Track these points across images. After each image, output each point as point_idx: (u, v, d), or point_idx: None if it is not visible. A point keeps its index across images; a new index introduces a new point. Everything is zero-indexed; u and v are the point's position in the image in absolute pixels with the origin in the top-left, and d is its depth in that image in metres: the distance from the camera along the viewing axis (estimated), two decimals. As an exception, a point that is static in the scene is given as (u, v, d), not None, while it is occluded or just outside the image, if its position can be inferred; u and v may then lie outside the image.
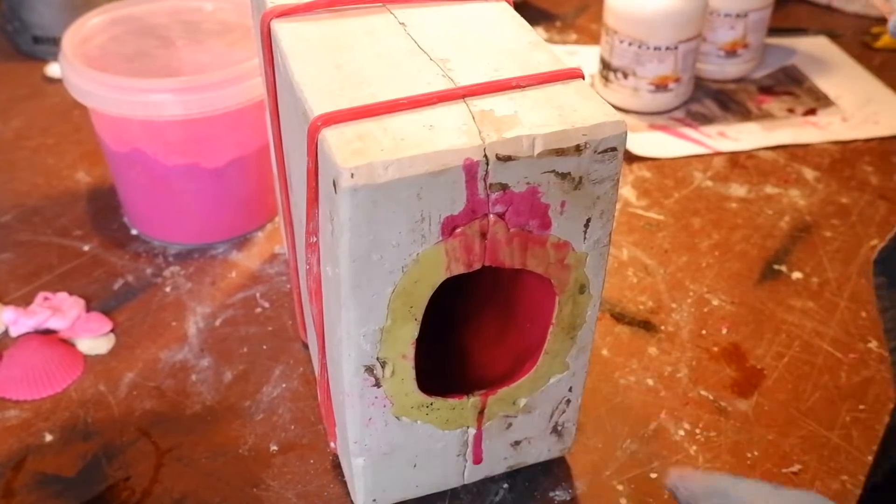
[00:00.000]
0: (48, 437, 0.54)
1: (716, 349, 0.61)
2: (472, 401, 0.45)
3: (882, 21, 1.04)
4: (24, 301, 0.64)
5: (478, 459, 0.49)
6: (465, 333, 0.52)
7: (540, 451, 0.51)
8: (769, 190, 0.76)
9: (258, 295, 0.65)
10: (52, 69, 0.93)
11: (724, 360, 0.60)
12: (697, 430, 0.55)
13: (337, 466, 0.52)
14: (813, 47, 0.99)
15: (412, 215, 0.37)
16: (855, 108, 0.88)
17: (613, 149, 0.39)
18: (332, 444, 0.50)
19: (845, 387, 0.58)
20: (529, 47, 0.43)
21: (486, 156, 0.36)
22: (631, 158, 0.80)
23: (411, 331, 0.41)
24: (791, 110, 0.88)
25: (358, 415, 0.43)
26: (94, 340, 0.60)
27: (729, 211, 0.74)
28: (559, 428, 0.50)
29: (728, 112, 0.87)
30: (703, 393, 0.57)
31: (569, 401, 0.49)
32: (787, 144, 0.82)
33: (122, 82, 0.60)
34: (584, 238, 0.41)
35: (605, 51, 0.86)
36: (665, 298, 0.65)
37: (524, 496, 0.51)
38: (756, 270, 0.68)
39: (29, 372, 0.57)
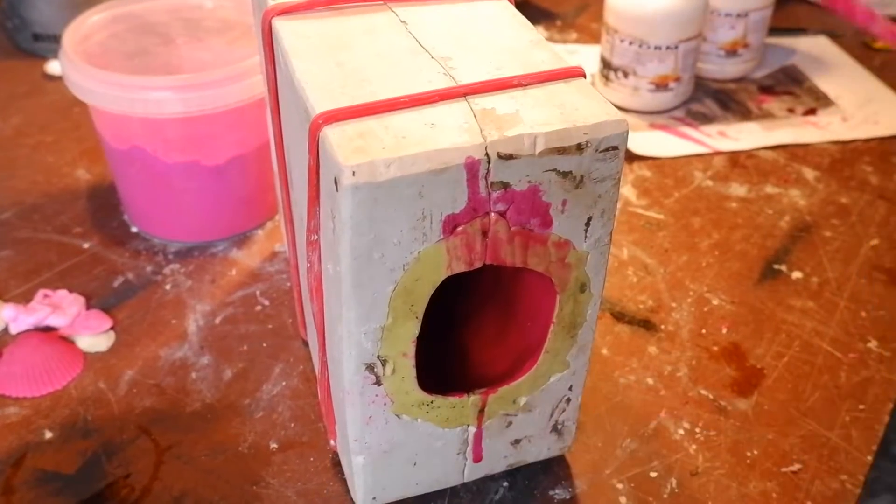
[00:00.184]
0: (48, 435, 0.54)
1: (716, 348, 0.61)
2: (473, 399, 0.45)
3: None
4: (24, 298, 0.64)
5: (478, 458, 0.49)
6: (466, 332, 0.52)
7: (540, 449, 0.51)
8: (769, 190, 0.76)
9: (258, 293, 0.65)
10: (52, 66, 0.92)
11: (724, 360, 0.60)
12: (697, 430, 0.55)
13: (337, 464, 0.52)
14: (813, 47, 0.99)
15: (413, 213, 0.37)
16: (855, 107, 0.88)
17: (615, 147, 0.39)
18: (331, 442, 0.50)
19: (845, 386, 0.58)
20: (531, 46, 0.43)
21: (487, 154, 0.36)
22: (631, 158, 0.80)
23: (412, 329, 0.41)
24: (791, 110, 0.88)
25: (358, 413, 0.43)
26: (94, 338, 0.60)
27: (729, 210, 0.74)
28: (559, 426, 0.50)
29: (728, 112, 0.87)
30: (702, 392, 0.57)
31: (569, 399, 0.49)
32: (788, 144, 0.82)
33: (123, 80, 0.60)
34: (585, 237, 0.41)
35: (605, 50, 0.86)
36: (665, 298, 0.65)
37: (524, 495, 0.51)
38: (756, 270, 0.68)
39: (29, 369, 0.57)
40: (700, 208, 0.74)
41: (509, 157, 0.37)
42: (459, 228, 0.38)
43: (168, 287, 0.65)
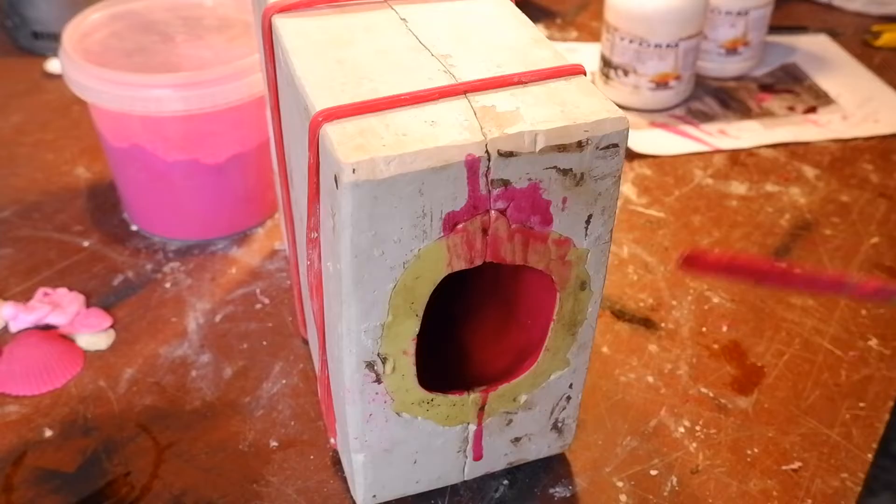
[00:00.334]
0: (48, 433, 0.54)
1: (716, 346, 0.61)
2: (473, 397, 0.45)
3: (882, 20, 1.04)
4: (24, 297, 0.64)
5: (478, 456, 0.49)
6: (466, 329, 0.52)
7: (540, 447, 0.51)
8: (769, 188, 0.76)
9: (258, 291, 0.65)
10: (52, 65, 0.92)
11: (725, 358, 0.60)
12: (697, 428, 0.55)
13: (337, 462, 0.52)
14: (813, 45, 0.99)
15: (414, 211, 0.37)
16: (855, 106, 0.88)
17: (615, 145, 0.38)
18: (332, 441, 0.50)
19: (845, 384, 0.58)
20: (531, 43, 0.43)
21: (487, 152, 0.36)
22: (631, 156, 0.80)
23: (412, 327, 0.41)
24: (791, 108, 0.88)
25: (358, 411, 0.43)
26: (94, 336, 0.60)
27: (729, 209, 0.74)
28: (559, 424, 0.50)
29: (728, 110, 0.87)
30: (703, 390, 0.57)
31: (569, 397, 0.49)
32: (788, 142, 0.82)
33: (122, 78, 0.60)
34: (586, 234, 0.41)
35: (605, 48, 0.86)
36: (665, 296, 0.65)
37: (524, 493, 0.51)
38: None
39: (29, 367, 0.57)
40: (700, 206, 0.74)
41: (509, 154, 0.37)
42: (460, 226, 0.38)
43: (168, 285, 0.65)
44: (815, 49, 0.98)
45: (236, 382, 0.58)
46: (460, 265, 0.39)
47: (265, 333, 0.61)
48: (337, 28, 0.44)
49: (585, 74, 0.41)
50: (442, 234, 0.38)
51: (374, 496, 0.48)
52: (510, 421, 0.48)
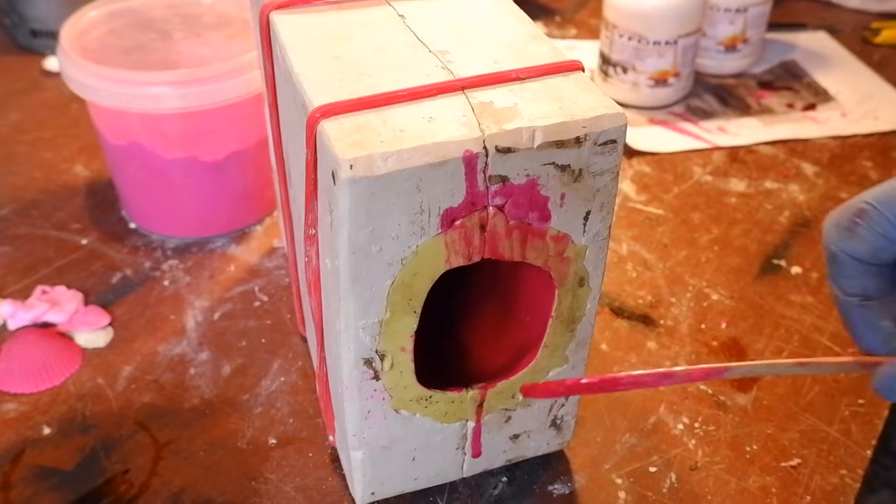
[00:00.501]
0: (46, 431, 0.54)
1: (715, 343, 0.61)
2: (472, 394, 0.45)
3: (881, 16, 1.04)
4: (22, 294, 0.64)
5: (477, 453, 0.48)
6: (465, 326, 0.52)
7: (539, 444, 0.51)
8: (769, 185, 0.76)
9: (257, 289, 0.65)
10: (50, 63, 0.92)
11: (724, 355, 0.60)
12: (696, 424, 0.55)
13: (335, 460, 0.52)
14: (813, 42, 0.99)
15: (411, 207, 0.37)
16: (854, 103, 0.88)
17: (613, 141, 0.38)
18: (330, 438, 0.50)
19: (844, 381, 0.58)
20: (529, 40, 0.43)
21: (485, 147, 0.36)
22: (630, 153, 0.80)
23: (410, 323, 0.41)
24: (790, 105, 0.87)
25: (357, 408, 0.43)
26: (93, 334, 0.60)
27: (728, 206, 0.74)
28: (558, 421, 0.50)
29: (727, 107, 0.87)
30: (702, 387, 0.57)
31: (568, 394, 0.49)
32: (787, 139, 0.82)
33: (121, 75, 0.60)
34: (584, 231, 0.41)
35: (604, 45, 0.86)
36: (664, 293, 0.65)
37: (523, 490, 0.51)
38: (755, 265, 0.68)
39: (27, 365, 0.57)
40: (699, 203, 0.74)
41: (507, 150, 0.37)
42: (458, 222, 0.38)
43: (166, 283, 0.65)
44: (814, 46, 0.98)
45: (235, 380, 0.57)
46: (458, 262, 0.39)
47: (264, 331, 0.61)
48: (335, 24, 0.44)
49: (583, 70, 0.41)
50: (440, 230, 0.38)
51: (373, 493, 0.48)
52: (509, 418, 0.48)
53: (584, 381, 0.38)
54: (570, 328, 0.45)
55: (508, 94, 0.38)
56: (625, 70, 0.84)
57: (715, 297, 0.64)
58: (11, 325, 0.61)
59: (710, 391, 0.57)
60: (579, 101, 0.38)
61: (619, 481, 0.51)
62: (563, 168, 0.38)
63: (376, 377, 0.42)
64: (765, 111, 0.86)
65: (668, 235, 0.70)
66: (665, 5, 0.80)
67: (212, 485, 0.51)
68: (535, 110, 0.37)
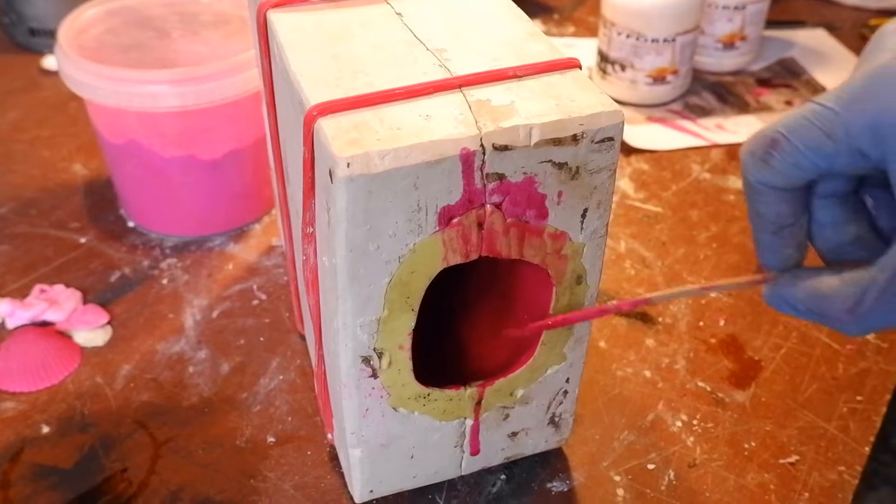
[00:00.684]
0: (45, 429, 0.54)
1: (713, 341, 0.61)
2: (470, 392, 0.45)
3: (880, 13, 1.04)
4: (21, 293, 0.64)
5: (475, 450, 0.49)
6: (463, 324, 0.52)
7: (537, 442, 0.51)
8: (767, 182, 0.76)
9: (255, 287, 0.65)
10: (49, 62, 0.92)
11: (722, 352, 0.60)
12: (695, 422, 0.55)
13: (334, 458, 0.52)
14: (811, 40, 0.99)
15: (409, 205, 0.37)
16: (853, 100, 0.88)
17: (610, 139, 0.38)
18: (329, 436, 0.50)
19: (842, 378, 0.58)
20: (527, 37, 0.43)
21: (482, 145, 0.36)
22: (629, 151, 0.80)
23: (408, 321, 0.41)
24: (789, 103, 0.87)
25: (355, 406, 0.43)
26: (91, 332, 0.60)
27: (727, 203, 0.74)
28: (556, 419, 0.50)
29: (726, 104, 0.87)
30: (700, 384, 0.57)
31: (566, 392, 0.49)
32: (785, 137, 0.82)
33: (119, 73, 0.60)
34: (582, 228, 0.41)
35: (602, 43, 0.86)
36: (662, 290, 0.65)
37: (521, 487, 0.51)
38: (754, 262, 0.67)
39: (26, 364, 0.57)
40: (698, 201, 0.74)
41: (504, 148, 0.37)
42: (455, 220, 0.38)
43: (165, 281, 0.65)
44: (812, 43, 0.98)
45: (233, 378, 0.58)
46: (456, 259, 0.39)
47: (262, 329, 0.61)
48: (332, 23, 0.44)
49: (580, 68, 0.41)
50: (437, 228, 0.38)
51: (371, 491, 0.48)
52: (507, 416, 0.48)
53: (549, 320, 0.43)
54: (568, 326, 0.45)
55: (506, 92, 0.38)
56: (623, 68, 0.84)
57: (713, 294, 0.64)
58: (10, 324, 0.61)
59: (708, 388, 0.57)
60: (576, 99, 0.38)
61: (617, 479, 0.52)
62: (561, 166, 0.38)
63: (374, 375, 0.42)
64: (763, 108, 0.86)
65: (666, 233, 0.70)
66: (663, 3, 0.80)
67: (210, 483, 0.51)
68: (532, 108, 0.38)
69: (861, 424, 0.55)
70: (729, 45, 0.90)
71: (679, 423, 0.55)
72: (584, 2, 1.08)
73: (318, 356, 0.47)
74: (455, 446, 0.48)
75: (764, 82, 0.91)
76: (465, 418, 0.47)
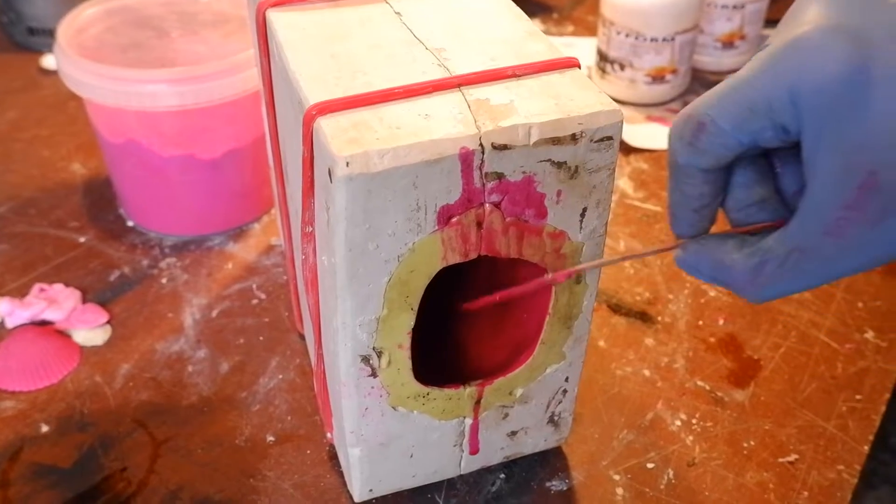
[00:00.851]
0: (44, 428, 0.54)
1: (712, 340, 0.61)
2: (469, 391, 0.45)
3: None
4: (20, 292, 0.64)
5: (474, 450, 0.49)
6: (462, 323, 0.52)
7: (536, 441, 0.51)
8: (766, 181, 0.76)
9: (254, 286, 0.65)
10: (48, 61, 0.92)
11: (721, 351, 0.60)
12: (694, 421, 0.55)
13: (333, 457, 0.52)
14: (810, 39, 0.98)
15: (408, 204, 0.37)
16: (852, 99, 0.88)
17: (609, 138, 0.38)
18: (328, 435, 0.50)
19: (842, 377, 0.58)
20: (526, 37, 0.43)
21: (481, 144, 0.36)
22: (628, 150, 0.80)
23: (407, 320, 0.41)
24: (788, 102, 0.87)
25: (354, 405, 0.43)
26: (90, 332, 0.60)
27: (726, 202, 0.74)
28: (556, 418, 0.50)
29: (725, 103, 0.87)
30: (699, 383, 0.57)
31: (565, 391, 0.49)
32: (784, 136, 0.82)
33: (118, 73, 0.60)
34: (581, 228, 0.41)
35: (601, 42, 0.86)
36: (662, 289, 0.65)
37: (521, 486, 0.51)
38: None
39: (25, 363, 0.57)
40: (697, 200, 0.74)
41: (503, 147, 0.37)
42: (454, 219, 0.38)
43: (164, 281, 0.65)
44: (811, 42, 0.98)
45: (233, 378, 0.58)
46: (455, 258, 0.39)
47: (262, 329, 0.61)
48: (331, 22, 0.44)
49: (579, 67, 0.41)
50: (436, 227, 0.38)
51: (371, 490, 0.48)
52: (506, 415, 0.48)
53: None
54: (567, 325, 0.45)
55: (505, 91, 0.38)
56: (622, 67, 0.84)
57: (712, 293, 0.65)
58: (9, 324, 0.61)
59: (707, 387, 0.57)
60: (575, 98, 0.38)
61: (616, 478, 0.52)
62: (560, 165, 0.38)
63: (374, 374, 0.42)
64: (762, 108, 0.86)
65: (665, 232, 0.70)
66: (662, 2, 0.80)
67: (210, 482, 0.51)
68: (531, 107, 0.38)
69: (860, 423, 0.55)
70: (728, 44, 0.90)
71: (678, 423, 0.55)
72: (583, 1, 1.08)
73: (317, 355, 0.47)
74: (454, 445, 0.48)
75: (763, 81, 0.91)
76: (465, 417, 0.47)
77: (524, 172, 0.38)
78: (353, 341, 0.41)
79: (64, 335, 0.60)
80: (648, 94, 0.85)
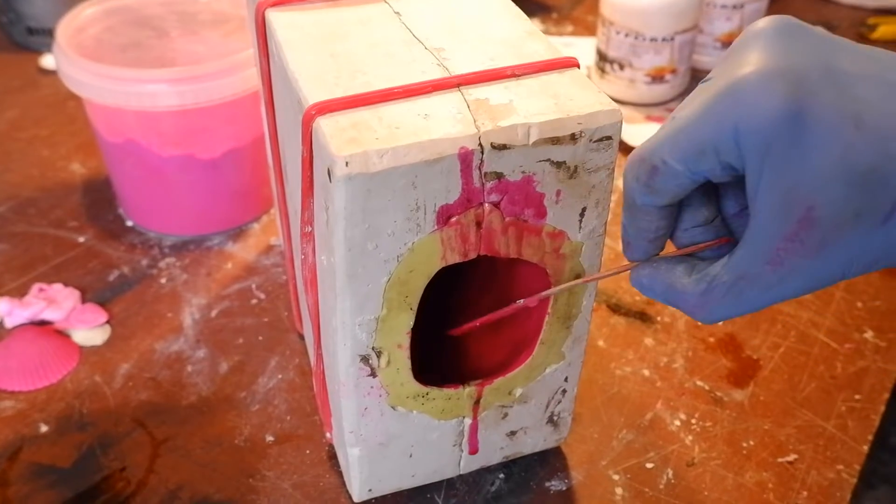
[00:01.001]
0: (43, 428, 0.54)
1: (712, 340, 0.61)
2: (468, 391, 0.45)
3: (878, 12, 1.04)
4: (19, 292, 0.64)
5: (474, 449, 0.49)
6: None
7: (536, 441, 0.51)
8: (765, 181, 0.76)
9: (254, 286, 0.65)
10: (47, 61, 0.92)
11: (720, 351, 0.60)
12: (693, 420, 0.55)
13: (333, 457, 0.52)
14: (809, 39, 0.98)
15: (407, 204, 0.37)
16: (851, 99, 0.88)
17: (609, 137, 0.38)
18: (327, 435, 0.50)
19: (841, 377, 0.58)
20: (525, 36, 0.43)
21: (480, 144, 0.36)
22: (627, 150, 0.80)
23: (407, 320, 0.41)
24: (787, 101, 0.87)
25: (353, 405, 0.43)
26: (90, 331, 0.60)
27: (725, 202, 0.74)
28: (555, 418, 0.50)
29: (724, 103, 0.87)
30: (699, 383, 0.57)
31: (564, 391, 0.49)
32: (784, 136, 0.82)
33: (117, 73, 0.60)
34: (580, 227, 0.41)
35: (601, 42, 0.86)
36: (661, 289, 0.65)
37: (520, 486, 0.51)
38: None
39: (24, 363, 0.57)
40: (696, 200, 0.74)
41: (503, 147, 0.37)
42: (453, 219, 0.38)
43: (163, 280, 0.65)
44: (811, 42, 0.98)
45: (232, 377, 0.58)
46: (454, 258, 0.39)
47: (261, 328, 0.61)
48: (330, 22, 0.44)
49: (579, 67, 0.41)
50: (436, 227, 0.38)
51: (370, 490, 0.48)
52: (506, 414, 0.48)
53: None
54: (566, 325, 0.45)
55: (504, 91, 0.38)
56: (622, 67, 0.84)
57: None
58: (8, 323, 0.61)
59: (706, 387, 0.57)
60: (575, 98, 0.38)
61: (616, 477, 0.52)
62: (559, 165, 0.38)
63: (373, 374, 0.42)
64: (762, 107, 0.86)
65: (664, 232, 0.70)
66: (662, 2, 0.80)
67: (209, 482, 0.51)
68: (530, 107, 0.38)
69: (859, 423, 0.55)
70: (728, 44, 0.90)
71: (678, 422, 0.55)
72: (583, 1, 1.08)
73: (316, 355, 0.47)
74: (454, 445, 0.48)
75: (762, 81, 0.91)
76: (464, 417, 0.47)
77: (523, 172, 0.38)
78: (352, 341, 0.41)
79: (63, 335, 0.60)
80: (648, 94, 0.85)
